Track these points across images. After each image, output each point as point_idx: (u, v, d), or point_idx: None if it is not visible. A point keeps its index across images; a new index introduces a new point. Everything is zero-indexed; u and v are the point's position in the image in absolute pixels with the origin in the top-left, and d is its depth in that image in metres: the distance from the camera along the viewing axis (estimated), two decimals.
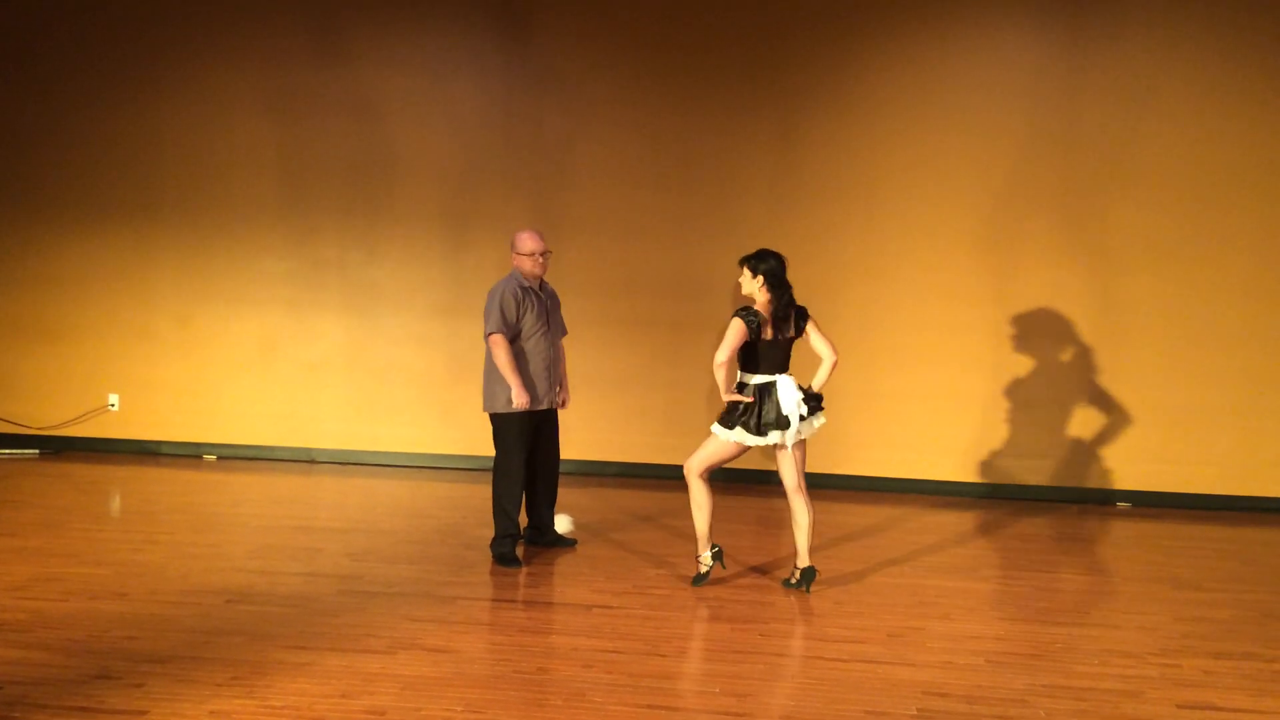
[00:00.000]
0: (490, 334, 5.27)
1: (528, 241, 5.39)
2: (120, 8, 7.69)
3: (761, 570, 5.46)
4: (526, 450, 5.44)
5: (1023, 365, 7.21)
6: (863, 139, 7.25)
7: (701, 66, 7.32)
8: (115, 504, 6.78)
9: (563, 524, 5.85)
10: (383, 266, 7.69)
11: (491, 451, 5.46)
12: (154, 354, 7.90)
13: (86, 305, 7.91)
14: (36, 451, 7.81)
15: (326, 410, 7.79)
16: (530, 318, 5.35)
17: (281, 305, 7.75)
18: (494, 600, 4.95)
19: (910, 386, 7.28)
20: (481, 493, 5.96)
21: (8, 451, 7.75)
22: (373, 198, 7.62)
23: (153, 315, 7.87)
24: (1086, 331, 7.16)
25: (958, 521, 6.66)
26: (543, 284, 5.51)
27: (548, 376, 5.44)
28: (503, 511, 5.41)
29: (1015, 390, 7.22)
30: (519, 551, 5.54)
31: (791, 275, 6.80)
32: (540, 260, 5.38)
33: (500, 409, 5.35)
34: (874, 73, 7.21)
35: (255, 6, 7.60)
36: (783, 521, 6.65)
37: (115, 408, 7.94)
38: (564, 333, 5.64)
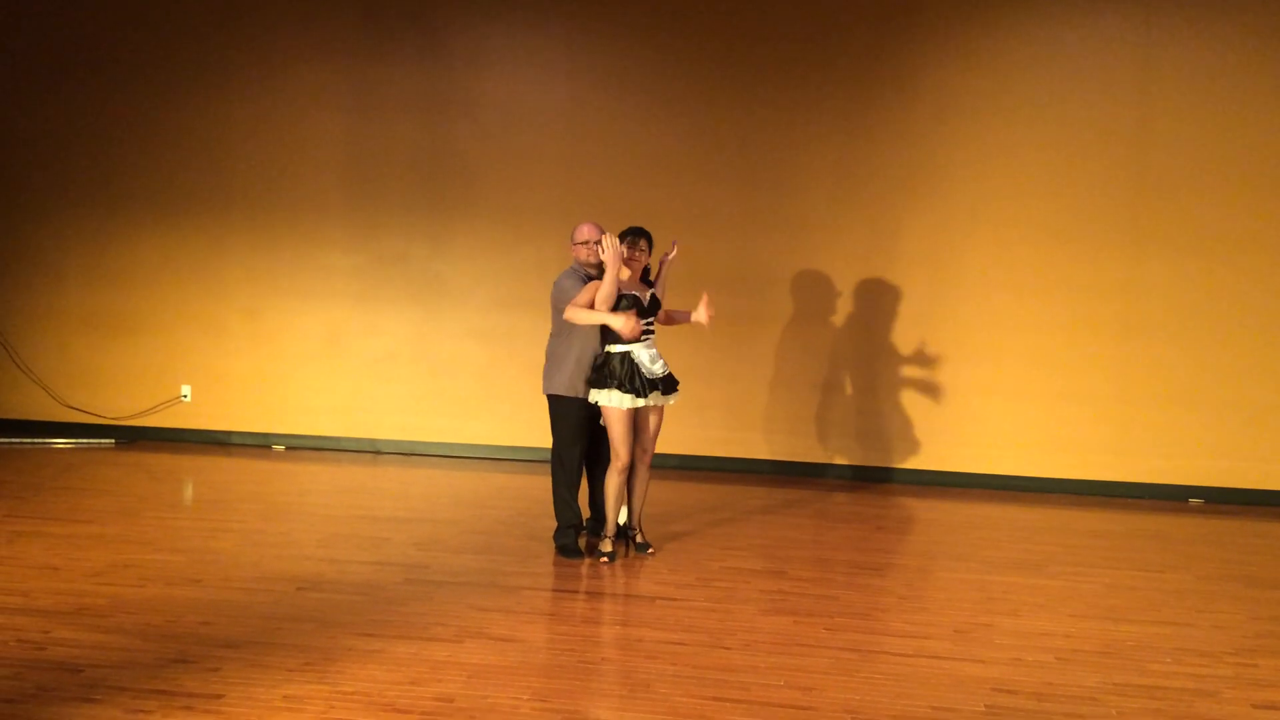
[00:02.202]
0: (565, 316, 5.29)
1: (583, 230, 5.47)
2: (194, 6, 7.84)
3: (824, 564, 5.43)
4: (584, 440, 5.48)
5: (1093, 359, 7.08)
6: (929, 131, 7.16)
7: (765, 59, 7.28)
8: (188, 492, 6.94)
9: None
10: (447, 260, 7.77)
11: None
12: (224, 346, 8.07)
13: (160, 299, 8.10)
14: (113, 441, 8.02)
15: (391, 402, 7.89)
16: None
17: (348, 299, 7.87)
18: (558, 591, 4.99)
19: (977, 381, 7.19)
20: (543, 484, 6.01)
21: (86, 441, 7.97)
22: (437, 193, 7.70)
23: (223, 309, 8.04)
24: (1158, 326, 7.01)
25: (1025, 517, 6.57)
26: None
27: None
28: (562, 500, 5.45)
29: (1085, 385, 7.09)
30: (581, 543, 5.58)
31: (856, 268, 6.84)
32: (593, 248, 5.40)
33: (560, 390, 5.39)
34: (941, 63, 7.11)
35: (323, 5, 7.71)
36: (844, 516, 6.61)
37: (187, 399, 8.13)
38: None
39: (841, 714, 3.57)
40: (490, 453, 7.78)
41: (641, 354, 5.29)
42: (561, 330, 5.41)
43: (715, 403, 7.52)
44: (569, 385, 5.36)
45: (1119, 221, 7.02)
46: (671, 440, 7.56)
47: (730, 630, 4.38)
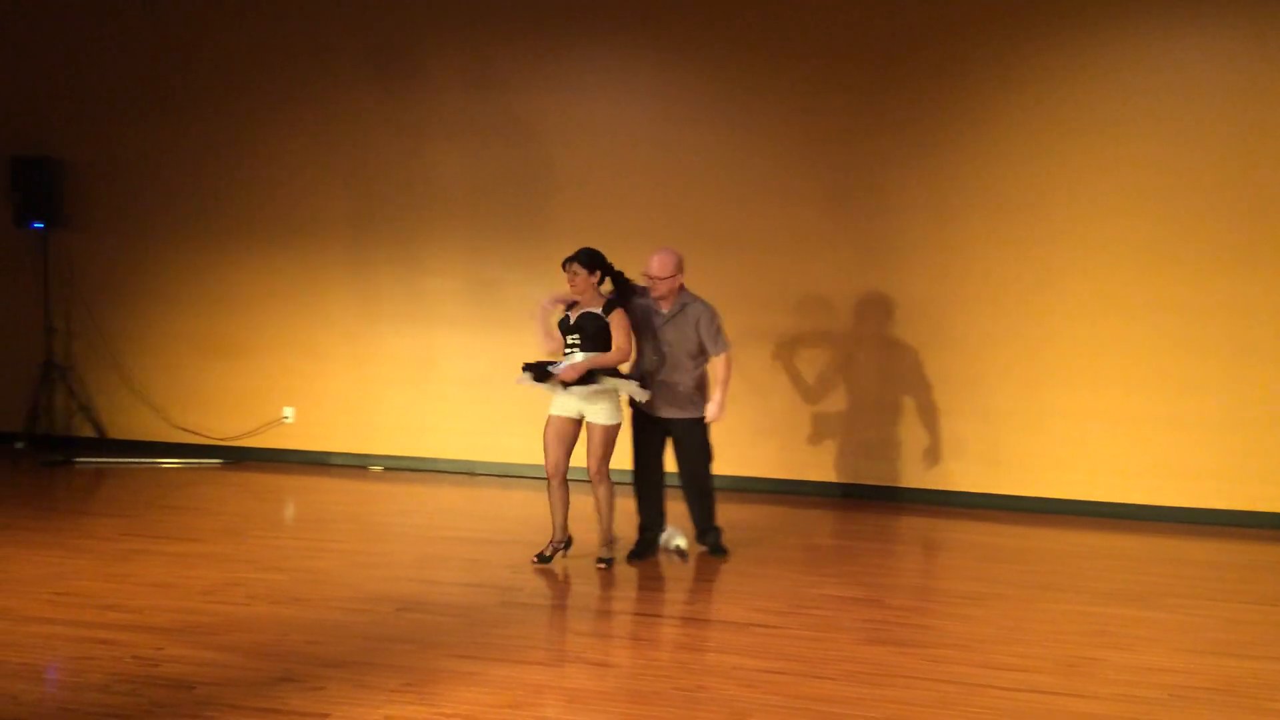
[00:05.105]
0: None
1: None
2: (294, 36, 8.10)
3: (923, 593, 5.33)
4: (635, 451, 5.78)
5: (1199, 383, 6.82)
6: (1027, 147, 7.01)
7: (856, 78, 7.23)
8: (290, 512, 7.13)
9: (674, 538, 5.87)
10: (540, 284, 7.81)
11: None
12: (325, 369, 8.27)
13: (263, 323, 8.35)
14: (219, 461, 8.27)
15: (485, 424, 7.99)
16: (641, 329, 5.70)
17: (443, 323, 8.01)
18: (652, 615, 4.99)
19: (1079, 405, 6.99)
20: (632, 506, 6.01)
21: (194, 461, 8.24)
22: (531, 218, 7.80)
23: (324, 332, 8.25)
24: (1269, 348, 6.73)
25: (1131, 546, 6.35)
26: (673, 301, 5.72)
27: (652, 386, 5.66)
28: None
29: (1192, 409, 6.84)
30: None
31: (947, 290, 6.75)
32: (648, 282, 5.69)
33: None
34: (1039, 78, 6.97)
35: (414, 34, 7.89)
36: (939, 543, 6.49)
37: (289, 420, 8.35)
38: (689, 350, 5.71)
39: None
40: (584, 475, 7.80)
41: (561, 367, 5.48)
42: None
43: (798, 425, 7.44)
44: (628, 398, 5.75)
45: (1227, 241, 6.77)
46: (755, 463, 7.52)
47: (828, 659, 4.32)
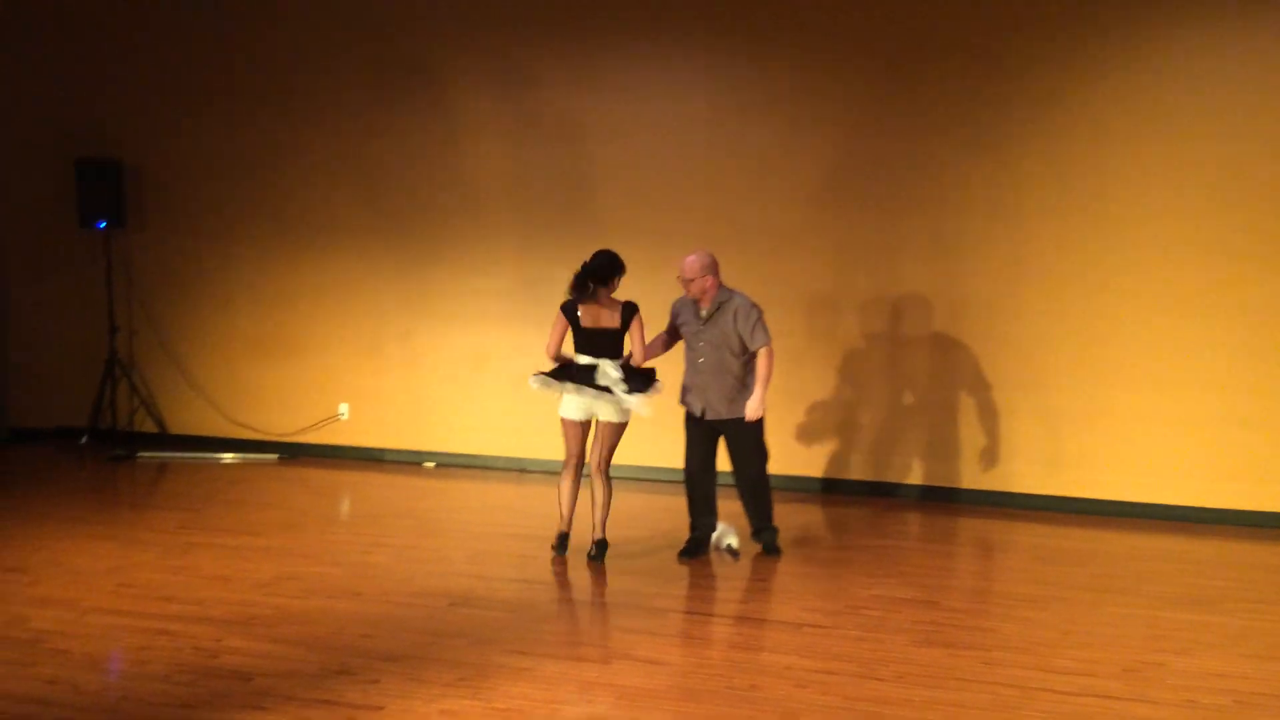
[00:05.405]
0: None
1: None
2: (347, 38, 8.18)
3: (979, 595, 5.26)
4: (687, 452, 5.83)
5: (1264, 383, 6.64)
6: (1086, 146, 6.87)
7: (910, 79, 7.14)
8: (345, 507, 7.21)
9: (726, 537, 5.85)
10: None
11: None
12: (379, 367, 8.36)
13: (320, 321, 8.46)
14: (276, 456, 8.39)
15: (536, 421, 7.99)
16: (684, 330, 5.80)
17: (496, 321, 8.05)
18: (704, 614, 4.98)
19: (1140, 406, 6.84)
20: (683, 504, 5.98)
21: (251, 456, 8.37)
22: (578, 216, 7.81)
23: (379, 330, 8.33)
24: None
25: (1193, 549, 6.21)
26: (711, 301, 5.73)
27: (697, 389, 5.72)
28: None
29: (1257, 410, 6.65)
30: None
31: (1006, 290, 6.66)
32: (681, 284, 5.75)
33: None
34: (1099, 76, 6.83)
35: (461, 34, 7.93)
36: (996, 544, 6.40)
37: (345, 417, 8.45)
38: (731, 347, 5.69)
39: None
40: (632, 473, 7.81)
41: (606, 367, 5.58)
42: None
43: (856, 425, 7.38)
44: (682, 398, 5.86)
45: None
46: (812, 463, 7.47)
47: (882, 661, 4.27)
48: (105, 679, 4.04)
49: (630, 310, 5.61)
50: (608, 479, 5.71)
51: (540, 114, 7.85)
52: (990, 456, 7.15)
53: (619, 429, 5.62)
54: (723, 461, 5.85)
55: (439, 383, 8.23)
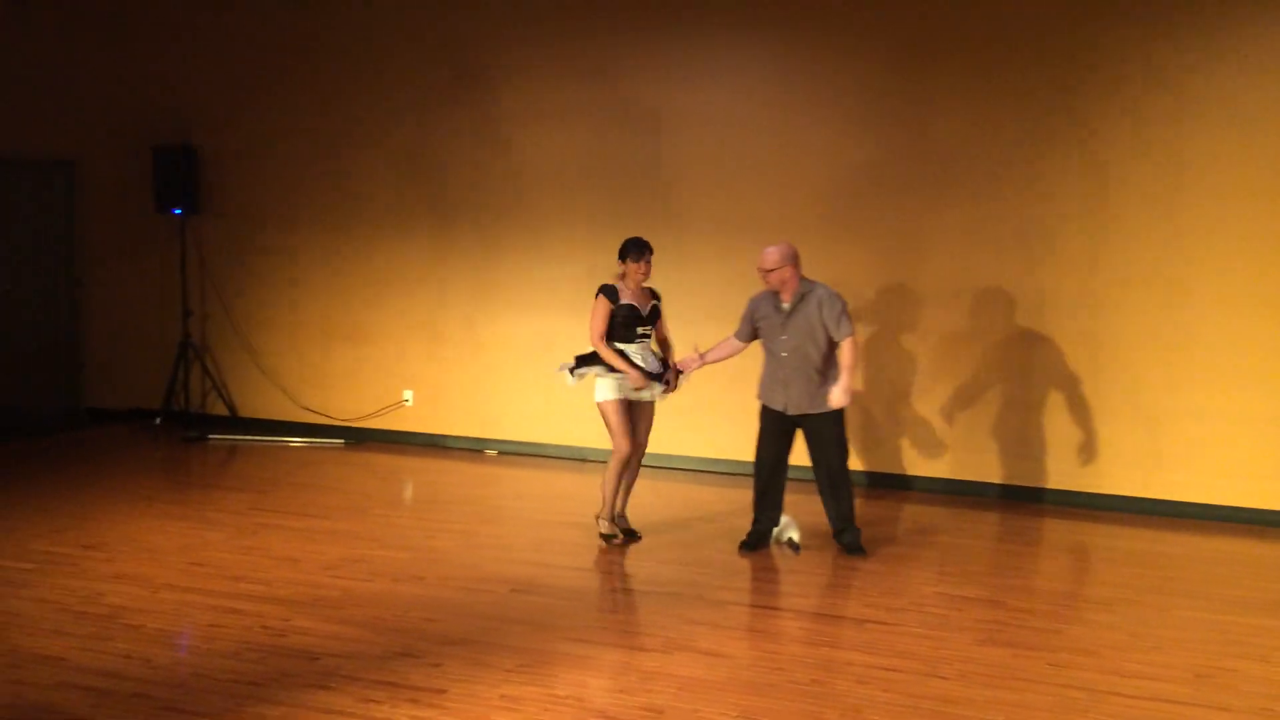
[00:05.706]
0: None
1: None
2: (421, 27, 8.25)
3: (1045, 595, 5.17)
4: (759, 446, 5.77)
5: None
6: (1164, 135, 6.69)
7: (987, 66, 7.01)
8: (409, 492, 7.31)
9: (788, 530, 5.81)
10: (656, 272, 7.83)
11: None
12: (444, 354, 8.44)
13: (386, 308, 8.57)
14: (342, 441, 8.53)
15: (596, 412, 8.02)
16: (764, 325, 5.73)
17: (561, 309, 8.07)
18: (766, 607, 4.96)
19: (1216, 406, 6.65)
20: (747, 496, 5.96)
21: (318, 440, 8.52)
22: (648, 206, 7.80)
23: (444, 318, 8.42)
24: None
25: (1268, 553, 6.04)
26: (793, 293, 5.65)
27: (778, 384, 5.68)
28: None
29: None
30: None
31: (1078, 284, 6.52)
32: (760, 276, 5.69)
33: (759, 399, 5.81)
34: (1178, 63, 6.65)
35: (532, 24, 7.96)
36: (1063, 545, 6.28)
37: (409, 403, 8.55)
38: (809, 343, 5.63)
39: None
40: (696, 464, 7.81)
41: (634, 354, 5.82)
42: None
43: (926, 422, 7.29)
44: (761, 393, 5.81)
45: None
46: (882, 459, 7.40)
47: (945, 659, 4.22)
48: (176, 655, 4.14)
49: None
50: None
51: (612, 104, 7.85)
52: (1073, 456, 6.94)
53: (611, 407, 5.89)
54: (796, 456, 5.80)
55: (503, 371, 8.29)
